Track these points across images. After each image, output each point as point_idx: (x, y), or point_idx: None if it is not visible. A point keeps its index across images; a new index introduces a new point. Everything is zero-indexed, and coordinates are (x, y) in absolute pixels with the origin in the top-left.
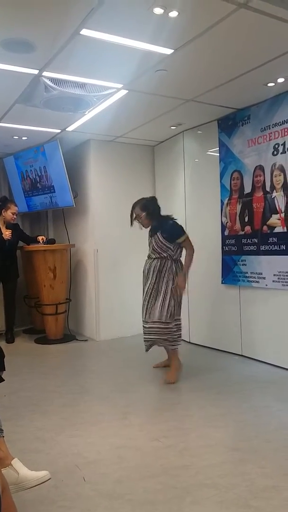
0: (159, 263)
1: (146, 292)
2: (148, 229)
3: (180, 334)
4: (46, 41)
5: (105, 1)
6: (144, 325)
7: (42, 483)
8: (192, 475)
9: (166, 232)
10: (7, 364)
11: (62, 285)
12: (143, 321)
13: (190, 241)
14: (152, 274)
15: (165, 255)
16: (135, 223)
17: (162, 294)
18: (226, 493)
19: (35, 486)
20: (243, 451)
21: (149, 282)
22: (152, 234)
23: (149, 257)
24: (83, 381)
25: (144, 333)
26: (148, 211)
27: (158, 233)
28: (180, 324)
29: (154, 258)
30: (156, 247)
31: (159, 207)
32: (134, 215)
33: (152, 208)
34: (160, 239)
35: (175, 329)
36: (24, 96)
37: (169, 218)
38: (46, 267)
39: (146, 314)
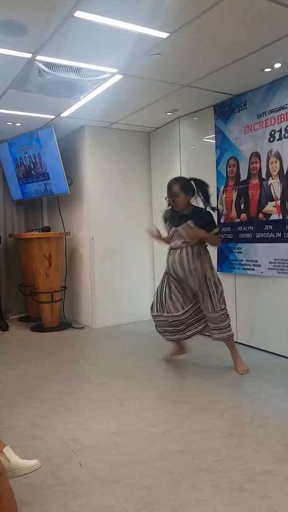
0: (196, 248)
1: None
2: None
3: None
4: (39, 24)
5: None
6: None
7: (32, 471)
8: (188, 460)
9: (203, 221)
10: (2, 352)
11: (58, 273)
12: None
13: (219, 237)
14: (190, 261)
15: (191, 243)
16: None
17: (212, 282)
18: (221, 477)
19: (25, 474)
20: (238, 436)
21: (187, 269)
22: (180, 222)
23: (174, 248)
24: (79, 368)
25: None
26: (186, 191)
27: (190, 222)
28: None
29: (185, 247)
30: (184, 235)
31: (196, 190)
32: (172, 191)
33: (191, 190)
34: (191, 226)
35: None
36: (17, 81)
37: (202, 209)
38: (41, 255)
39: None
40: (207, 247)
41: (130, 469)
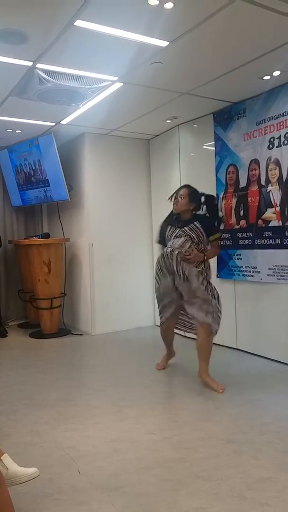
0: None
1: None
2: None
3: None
4: (39, 32)
5: None
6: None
7: (31, 479)
8: (187, 467)
9: (205, 224)
10: (1, 358)
11: (57, 279)
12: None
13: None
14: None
15: (196, 240)
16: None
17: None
18: (220, 485)
19: (24, 482)
20: (238, 444)
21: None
22: (182, 225)
23: (173, 244)
24: (78, 375)
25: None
26: (191, 200)
27: (195, 223)
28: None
29: (181, 243)
30: (187, 232)
31: (202, 207)
32: (179, 193)
33: (197, 201)
34: (197, 226)
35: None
36: (18, 89)
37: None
38: (40, 261)
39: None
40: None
41: (129, 477)
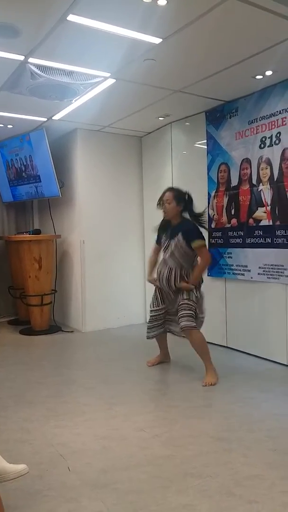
0: (173, 273)
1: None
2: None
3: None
4: (31, 26)
5: None
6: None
7: (20, 476)
8: (177, 464)
9: (185, 233)
10: None
11: (48, 276)
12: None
13: (207, 251)
14: (170, 284)
15: (181, 262)
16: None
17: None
18: (210, 482)
19: (13, 479)
20: (227, 441)
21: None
22: (172, 235)
23: (165, 262)
24: (69, 372)
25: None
26: (178, 202)
27: (179, 234)
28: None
29: (170, 265)
30: (175, 251)
31: (191, 208)
32: (164, 198)
33: (184, 203)
34: (181, 241)
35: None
36: (9, 83)
37: (191, 222)
38: (31, 257)
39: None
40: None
41: (118, 474)
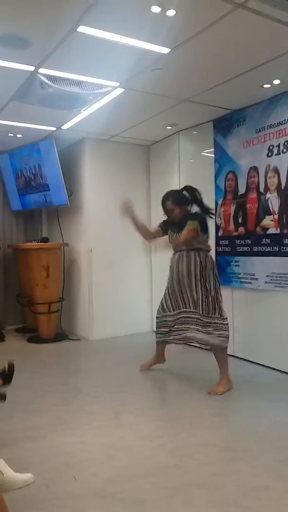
0: (197, 254)
1: (183, 284)
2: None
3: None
4: (42, 37)
5: None
6: (188, 315)
7: (26, 485)
8: (182, 474)
9: (189, 218)
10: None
11: (55, 284)
12: (180, 311)
13: (192, 232)
14: (190, 266)
15: (199, 246)
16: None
17: (213, 288)
18: (216, 493)
19: (19, 488)
20: (234, 451)
21: (188, 274)
22: (179, 230)
23: (179, 256)
24: (75, 380)
25: (182, 322)
26: (181, 205)
27: (187, 225)
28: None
29: (190, 250)
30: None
31: (196, 197)
32: (166, 208)
33: (184, 200)
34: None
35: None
36: (19, 93)
37: (197, 213)
38: (39, 265)
39: (186, 304)
40: (209, 257)
41: (124, 484)
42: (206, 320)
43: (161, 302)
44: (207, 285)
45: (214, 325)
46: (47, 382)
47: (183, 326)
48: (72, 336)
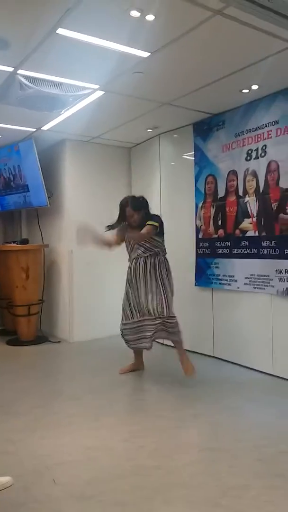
0: (153, 259)
1: (140, 290)
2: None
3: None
4: (21, 39)
5: (82, 1)
6: (147, 323)
7: (5, 488)
8: (163, 475)
9: (146, 219)
10: None
11: (35, 285)
12: (137, 320)
13: (149, 230)
14: (146, 272)
15: (156, 250)
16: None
17: (161, 290)
18: (196, 493)
19: None
20: (214, 451)
21: (144, 279)
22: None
23: (137, 257)
24: (55, 382)
25: (146, 330)
26: (137, 209)
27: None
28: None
29: (146, 256)
30: (147, 244)
31: (147, 204)
32: (126, 215)
33: (142, 205)
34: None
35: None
36: None
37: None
38: (18, 267)
39: (144, 311)
40: (166, 258)
41: (104, 485)
42: (167, 321)
43: (122, 310)
44: (162, 288)
45: (170, 324)
46: (27, 385)
47: (145, 332)
48: (53, 338)
